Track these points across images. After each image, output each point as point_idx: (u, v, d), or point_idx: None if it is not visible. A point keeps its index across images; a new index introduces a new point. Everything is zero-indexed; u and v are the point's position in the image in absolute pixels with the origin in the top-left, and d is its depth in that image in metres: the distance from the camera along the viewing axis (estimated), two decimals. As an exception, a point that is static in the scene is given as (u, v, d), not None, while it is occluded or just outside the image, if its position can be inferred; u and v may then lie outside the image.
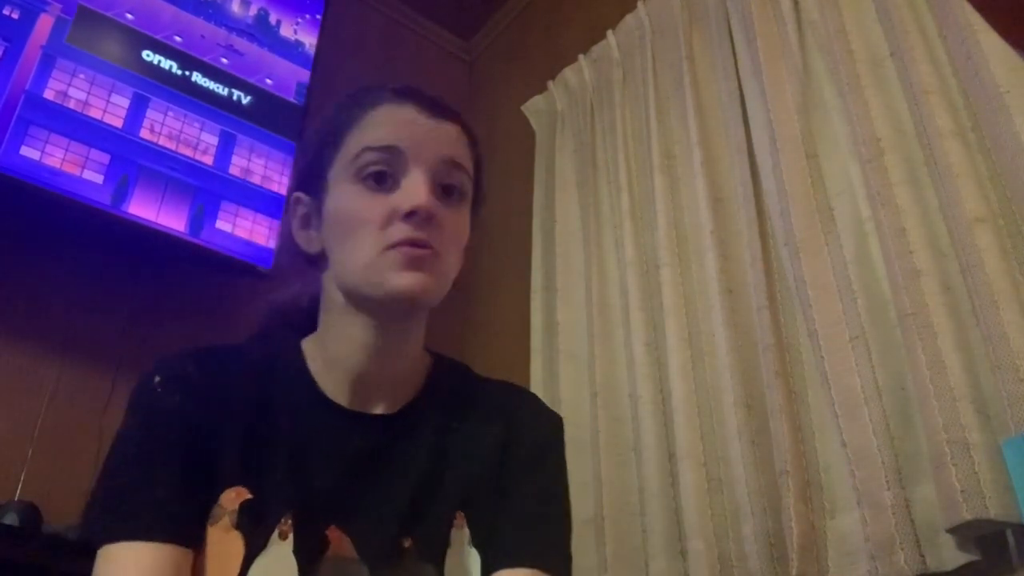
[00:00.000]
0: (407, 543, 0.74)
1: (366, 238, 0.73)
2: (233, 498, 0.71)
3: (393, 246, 0.72)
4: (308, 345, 0.82)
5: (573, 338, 1.86)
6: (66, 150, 1.67)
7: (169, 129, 1.82)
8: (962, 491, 1.07)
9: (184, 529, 0.69)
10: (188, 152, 1.83)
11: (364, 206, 0.74)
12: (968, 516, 1.06)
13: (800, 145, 1.49)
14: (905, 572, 1.13)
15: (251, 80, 2.01)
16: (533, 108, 2.32)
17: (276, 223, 1.91)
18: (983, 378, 1.14)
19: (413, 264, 0.72)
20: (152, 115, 1.81)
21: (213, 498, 0.71)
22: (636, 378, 1.62)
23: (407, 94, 0.79)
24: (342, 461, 0.75)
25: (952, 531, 1.10)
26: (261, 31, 2.08)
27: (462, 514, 0.77)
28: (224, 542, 0.70)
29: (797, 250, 1.41)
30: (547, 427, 0.85)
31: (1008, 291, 1.12)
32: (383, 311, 0.76)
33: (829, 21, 1.52)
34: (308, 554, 0.71)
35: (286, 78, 2.08)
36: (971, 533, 1.10)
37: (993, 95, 1.21)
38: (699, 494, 1.42)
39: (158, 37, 1.88)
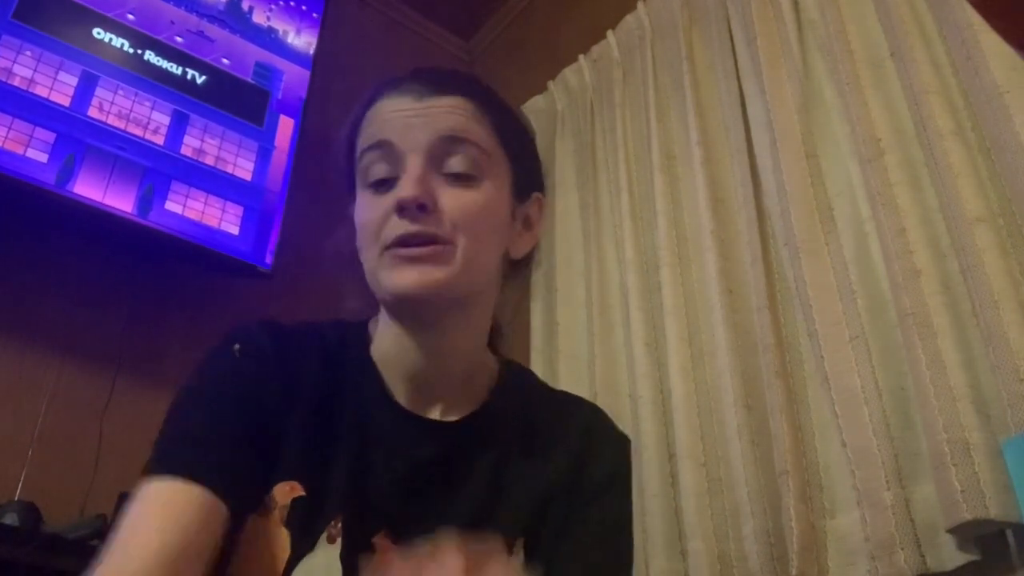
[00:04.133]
0: None
1: (369, 243, 0.71)
2: (287, 492, 0.68)
3: (388, 247, 0.69)
4: (372, 329, 0.79)
5: (573, 338, 1.86)
6: (9, 128, 1.62)
7: (119, 108, 1.77)
8: (962, 491, 1.07)
9: (225, 478, 0.64)
10: (138, 131, 1.78)
11: (368, 209, 0.72)
12: (968, 516, 1.06)
13: (800, 145, 1.49)
14: (905, 572, 1.13)
15: (206, 59, 1.95)
16: (533, 108, 2.32)
17: (230, 205, 1.86)
18: (983, 378, 1.14)
19: (410, 261, 0.68)
20: (101, 93, 1.75)
21: (267, 484, 0.68)
22: (636, 378, 1.62)
23: (403, 81, 0.74)
24: (400, 468, 0.72)
25: (952, 531, 1.10)
26: (233, 17, 2.04)
27: (521, 541, 0.73)
28: (272, 537, 0.67)
29: (797, 250, 1.41)
30: (618, 453, 0.81)
31: (1008, 291, 1.12)
32: (398, 313, 0.73)
33: (829, 21, 1.52)
34: (353, 560, 0.67)
35: (244, 58, 2.02)
36: (971, 533, 1.10)
37: (993, 95, 1.21)
38: (699, 494, 1.42)
39: (109, 15, 1.83)
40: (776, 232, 1.50)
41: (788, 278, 1.45)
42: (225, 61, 1.99)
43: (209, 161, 1.87)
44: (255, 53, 2.05)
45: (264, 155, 1.96)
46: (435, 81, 0.74)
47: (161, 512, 0.62)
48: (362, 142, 0.74)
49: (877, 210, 1.32)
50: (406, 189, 0.68)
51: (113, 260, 1.85)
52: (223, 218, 1.85)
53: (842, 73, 1.46)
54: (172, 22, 1.93)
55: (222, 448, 0.66)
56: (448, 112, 0.72)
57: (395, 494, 0.71)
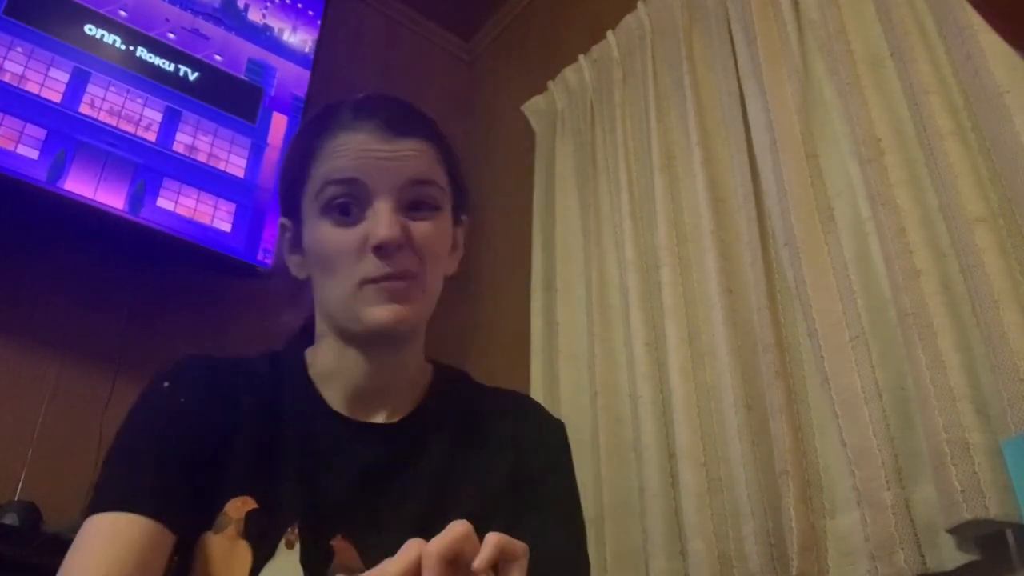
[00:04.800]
0: None
1: (341, 272, 0.75)
2: (239, 507, 0.71)
3: (368, 281, 0.73)
4: (310, 354, 0.83)
5: (573, 338, 1.86)
6: None
7: (110, 104, 1.76)
8: (962, 491, 1.07)
9: (166, 507, 0.68)
10: (129, 128, 1.78)
11: (335, 240, 0.75)
12: (968, 516, 1.06)
13: (800, 145, 1.49)
14: (905, 572, 1.13)
15: (198, 55, 1.94)
16: (533, 108, 2.32)
17: (222, 202, 1.86)
18: (983, 378, 1.14)
19: (390, 297, 0.73)
20: (93, 90, 1.75)
21: (217, 504, 0.71)
22: (636, 378, 1.62)
23: (363, 114, 0.78)
24: (348, 471, 0.76)
25: (952, 531, 1.10)
26: (228, 15, 2.04)
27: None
28: (230, 551, 0.70)
29: (797, 250, 1.41)
30: (554, 437, 0.86)
31: (1008, 291, 1.12)
32: (365, 342, 0.78)
33: (829, 21, 1.52)
34: (314, 564, 0.70)
35: (236, 54, 2.01)
36: (971, 533, 1.10)
37: (993, 95, 1.21)
38: (699, 494, 1.42)
39: (101, 11, 1.83)
40: (776, 232, 1.50)
41: (788, 278, 1.45)
42: (218, 58, 1.98)
43: (201, 158, 1.86)
44: (248, 50, 2.04)
45: (257, 152, 1.96)
46: (397, 121, 0.78)
47: (105, 542, 0.65)
48: (325, 173, 0.76)
49: (877, 210, 1.32)
50: (385, 230, 0.73)
51: (112, 259, 1.85)
52: (215, 215, 1.84)
53: (842, 73, 1.46)
54: (167, 19, 1.92)
55: (159, 477, 0.69)
56: (414, 156, 0.77)
57: (347, 496, 0.74)
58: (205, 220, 1.83)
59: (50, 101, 1.70)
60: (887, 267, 1.29)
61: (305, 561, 0.70)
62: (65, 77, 1.73)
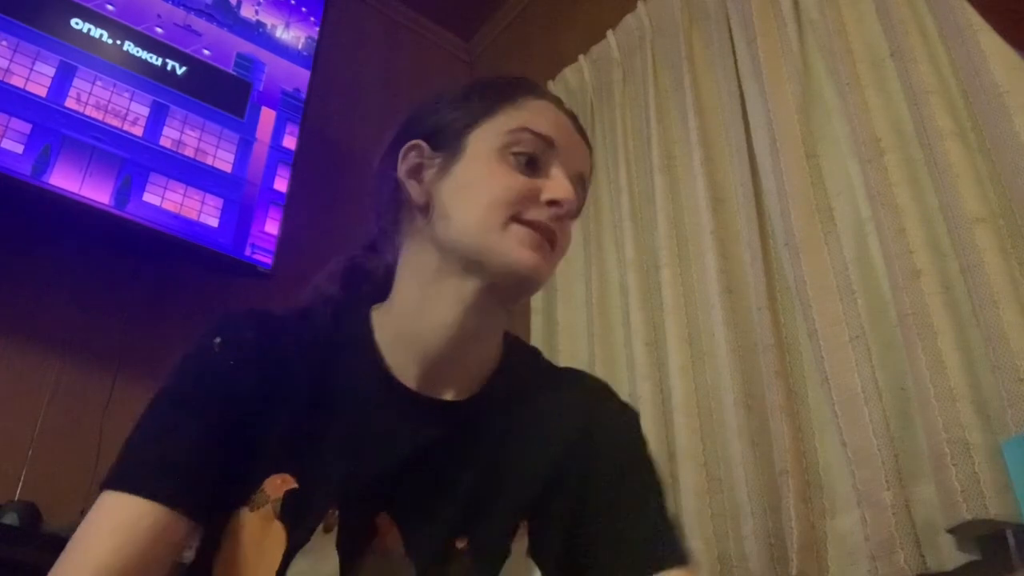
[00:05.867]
0: (461, 544, 0.69)
1: (495, 209, 0.71)
2: (278, 485, 0.67)
3: (523, 221, 0.71)
4: (378, 315, 0.77)
5: (573, 338, 1.86)
6: None
7: (97, 99, 1.75)
8: (962, 491, 1.07)
9: (189, 495, 0.63)
10: (116, 122, 1.76)
11: (505, 181, 0.73)
12: (968, 516, 1.06)
13: (800, 145, 1.49)
14: (905, 572, 1.13)
15: (186, 50, 1.93)
16: (533, 108, 2.32)
17: (209, 197, 1.83)
18: (983, 378, 1.14)
19: (539, 244, 0.71)
20: (79, 84, 1.74)
21: (254, 477, 0.67)
22: (636, 378, 1.62)
23: (559, 102, 0.83)
24: (401, 448, 0.71)
25: (952, 531, 1.10)
26: (221, 11, 2.03)
27: (525, 523, 0.72)
28: (265, 532, 0.66)
29: (797, 250, 1.41)
30: (626, 430, 0.80)
31: (1008, 291, 1.12)
32: (489, 282, 0.72)
33: (829, 21, 1.52)
34: (353, 543, 0.67)
35: (225, 49, 2.00)
36: (971, 533, 1.10)
37: (993, 95, 1.21)
38: (699, 494, 1.42)
39: (88, 5, 1.81)
40: (776, 232, 1.50)
41: (788, 278, 1.45)
42: (206, 52, 1.97)
43: (189, 153, 1.85)
44: (238, 45, 2.03)
45: (245, 147, 1.94)
46: (580, 125, 0.84)
47: (114, 526, 0.61)
48: (526, 120, 0.76)
49: (877, 210, 1.32)
50: (571, 192, 0.74)
51: (103, 257, 1.85)
52: (202, 210, 1.83)
53: (842, 73, 1.46)
54: (159, 15, 1.91)
55: (189, 459, 0.65)
56: (588, 157, 0.83)
57: (397, 476, 0.70)
58: (192, 215, 1.81)
59: (35, 95, 1.69)
60: (887, 267, 1.29)
61: (341, 542, 0.66)
62: (51, 71, 1.72)
